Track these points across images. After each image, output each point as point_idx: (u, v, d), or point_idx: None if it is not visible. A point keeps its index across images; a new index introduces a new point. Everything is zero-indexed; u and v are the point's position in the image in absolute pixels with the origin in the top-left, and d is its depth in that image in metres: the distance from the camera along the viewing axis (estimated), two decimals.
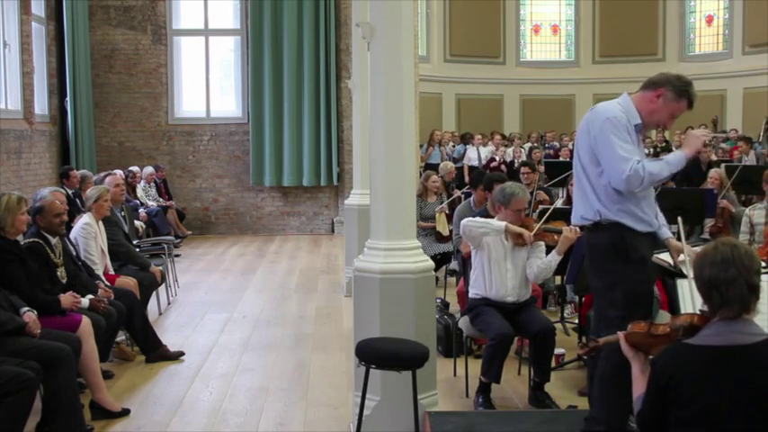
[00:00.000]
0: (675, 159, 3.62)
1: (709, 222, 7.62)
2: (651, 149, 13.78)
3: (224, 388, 5.23)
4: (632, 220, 3.60)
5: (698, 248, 3.18)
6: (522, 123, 19.38)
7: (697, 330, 2.51)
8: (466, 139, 15.91)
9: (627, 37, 19.25)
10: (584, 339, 5.46)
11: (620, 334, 2.78)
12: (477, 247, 4.93)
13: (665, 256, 3.95)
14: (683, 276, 3.66)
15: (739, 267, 2.39)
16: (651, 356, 2.76)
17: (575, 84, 19.55)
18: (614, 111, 3.61)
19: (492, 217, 5.25)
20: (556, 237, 4.91)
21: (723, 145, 14.33)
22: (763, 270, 2.48)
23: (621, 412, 3.67)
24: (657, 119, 3.69)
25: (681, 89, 3.62)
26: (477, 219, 4.89)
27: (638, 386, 2.65)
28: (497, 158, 13.85)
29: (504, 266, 4.86)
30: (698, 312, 2.59)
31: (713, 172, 8.21)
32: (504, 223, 4.75)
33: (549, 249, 4.94)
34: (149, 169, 12.12)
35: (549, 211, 5.22)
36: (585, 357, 5.34)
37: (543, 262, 4.85)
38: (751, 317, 2.43)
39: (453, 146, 15.46)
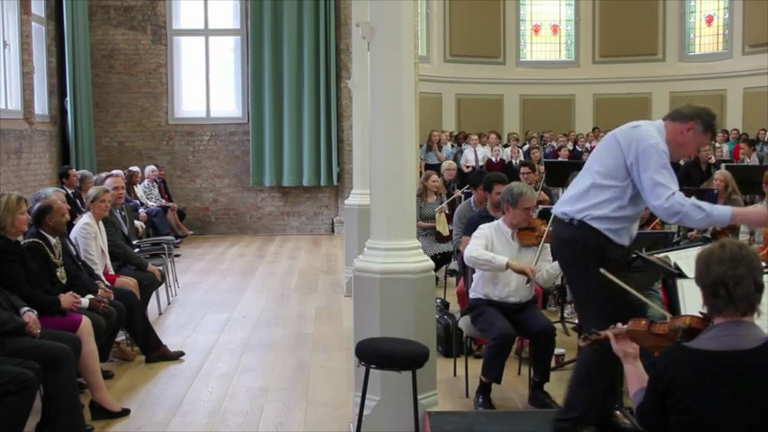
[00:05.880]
0: (720, 217, 3.52)
1: None
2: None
3: (224, 388, 5.22)
4: (613, 234, 3.65)
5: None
6: (521, 123, 19.36)
7: (696, 333, 2.50)
8: (459, 139, 15.88)
9: (627, 37, 19.24)
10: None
11: (610, 332, 2.78)
12: None
13: (664, 256, 3.94)
14: (684, 277, 3.65)
15: (747, 266, 2.37)
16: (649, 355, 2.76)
17: (575, 84, 19.55)
18: (661, 143, 3.58)
19: (493, 218, 5.25)
20: None
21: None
22: (764, 270, 2.48)
23: (600, 402, 3.69)
24: (684, 151, 3.80)
25: (708, 123, 3.67)
26: (479, 253, 4.75)
27: (633, 382, 2.65)
28: (494, 159, 13.84)
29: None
30: (698, 314, 2.57)
31: (718, 174, 8.11)
32: (505, 260, 4.69)
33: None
34: (152, 167, 12.14)
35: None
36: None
37: (553, 267, 4.74)
38: (753, 319, 2.41)
39: (452, 145, 15.46)
